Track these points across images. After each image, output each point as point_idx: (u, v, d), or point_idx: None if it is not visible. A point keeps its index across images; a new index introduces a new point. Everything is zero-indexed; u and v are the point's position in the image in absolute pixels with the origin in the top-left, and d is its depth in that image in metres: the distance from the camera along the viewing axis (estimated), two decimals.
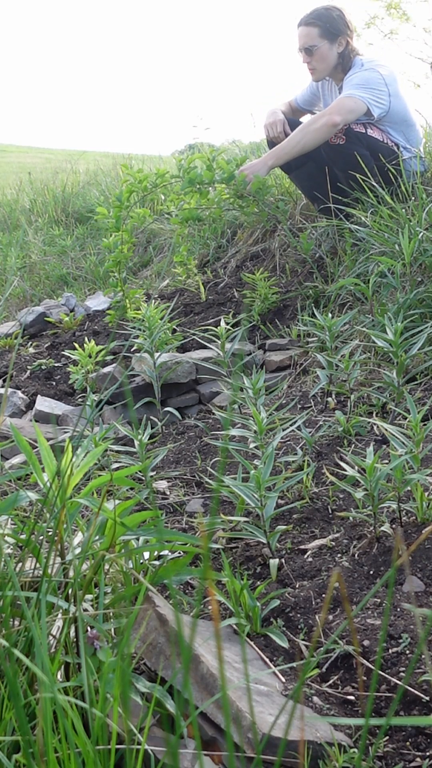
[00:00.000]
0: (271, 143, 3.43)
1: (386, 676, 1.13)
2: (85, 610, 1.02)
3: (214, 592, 1.28)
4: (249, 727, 0.94)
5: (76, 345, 2.95)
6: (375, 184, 3.06)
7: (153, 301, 3.44)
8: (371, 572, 1.39)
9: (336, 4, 3.29)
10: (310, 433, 1.99)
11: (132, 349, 3.00)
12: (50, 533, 1.01)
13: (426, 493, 1.51)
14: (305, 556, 1.50)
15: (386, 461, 1.70)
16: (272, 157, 3.22)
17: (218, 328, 2.57)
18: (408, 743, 1.02)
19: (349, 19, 3.27)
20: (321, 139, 3.12)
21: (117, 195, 3.08)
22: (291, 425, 1.91)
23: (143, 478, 1.78)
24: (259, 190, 3.17)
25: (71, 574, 0.99)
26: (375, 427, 2.02)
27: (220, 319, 3.12)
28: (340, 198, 3.14)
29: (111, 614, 1.06)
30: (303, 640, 1.25)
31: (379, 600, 1.31)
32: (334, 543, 1.52)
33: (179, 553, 1.42)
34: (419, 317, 2.42)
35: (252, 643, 1.23)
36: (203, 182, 3.06)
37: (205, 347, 2.90)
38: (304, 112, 3.62)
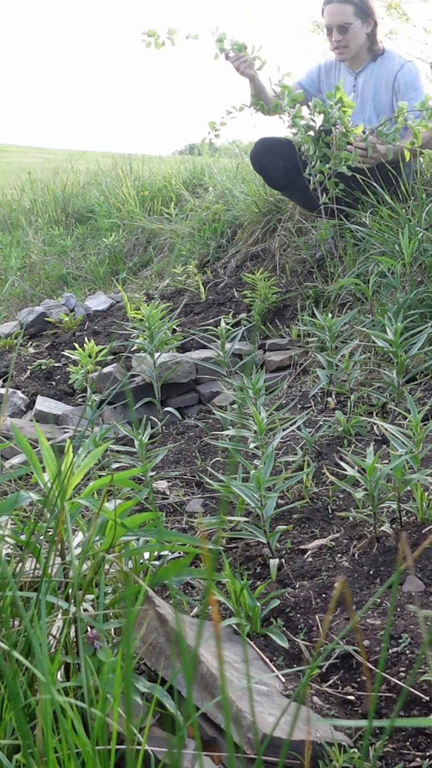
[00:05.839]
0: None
1: (386, 676, 1.13)
2: (85, 610, 1.02)
3: (215, 592, 1.28)
4: (249, 727, 0.94)
5: (76, 345, 2.95)
6: (375, 184, 3.06)
7: (153, 301, 3.44)
8: (371, 572, 1.39)
9: None
10: (310, 433, 1.99)
11: (132, 349, 3.00)
12: (50, 533, 1.01)
13: (426, 493, 1.51)
14: (305, 556, 1.50)
15: (386, 461, 1.70)
16: (391, 154, 3.14)
17: (218, 328, 2.57)
18: (408, 743, 1.02)
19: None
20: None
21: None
22: (291, 425, 1.91)
23: (143, 478, 1.78)
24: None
25: (71, 574, 0.99)
26: (375, 427, 2.02)
27: (220, 319, 3.12)
28: (341, 198, 3.14)
29: (111, 614, 1.06)
30: (303, 640, 1.25)
31: (378, 600, 1.31)
32: (334, 543, 1.53)
33: (179, 553, 1.42)
34: (419, 317, 2.42)
35: (252, 643, 1.23)
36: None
37: (205, 347, 2.90)
38: (308, 96, 3.51)
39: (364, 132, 2.99)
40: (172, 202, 5.06)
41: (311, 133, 3.05)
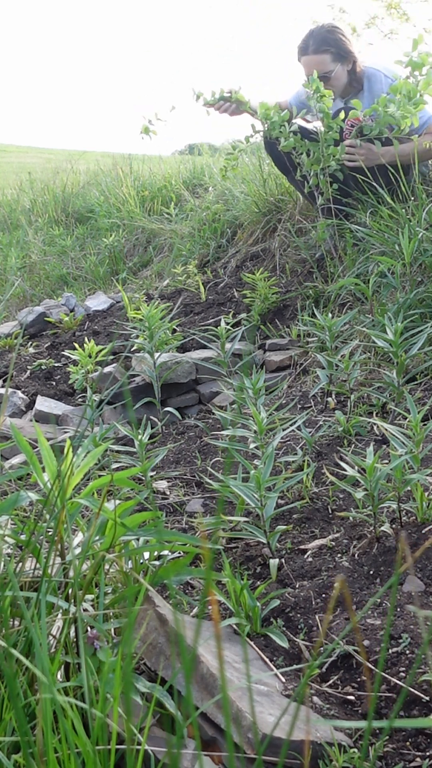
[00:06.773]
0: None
1: (386, 676, 1.13)
2: (85, 610, 1.02)
3: (215, 591, 1.28)
4: (249, 727, 0.94)
5: (76, 345, 2.95)
6: (375, 184, 3.06)
7: (153, 301, 3.44)
8: (371, 572, 1.39)
9: (332, 23, 3.26)
10: (310, 433, 1.99)
11: (132, 349, 3.00)
12: (50, 533, 1.01)
13: (426, 493, 1.51)
14: (305, 556, 1.50)
15: (386, 461, 1.70)
16: (387, 156, 3.14)
17: (218, 328, 2.57)
18: (408, 743, 1.02)
19: (347, 34, 3.25)
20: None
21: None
22: (291, 425, 1.91)
23: (143, 478, 1.78)
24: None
25: (71, 574, 0.99)
26: (375, 427, 2.02)
27: (220, 319, 3.12)
28: (340, 198, 3.14)
29: (111, 614, 1.06)
30: (303, 640, 1.25)
31: (378, 600, 1.31)
32: (334, 543, 1.53)
33: (179, 553, 1.42)
34: (419, 317, 2.42)
35: (252, 643, 1.23)
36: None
37: (205, 347, 2.91)
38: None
39: (344, 120, 3.01)
40: (172, 202, 5.06)
41: (295, 129, 3.10)
